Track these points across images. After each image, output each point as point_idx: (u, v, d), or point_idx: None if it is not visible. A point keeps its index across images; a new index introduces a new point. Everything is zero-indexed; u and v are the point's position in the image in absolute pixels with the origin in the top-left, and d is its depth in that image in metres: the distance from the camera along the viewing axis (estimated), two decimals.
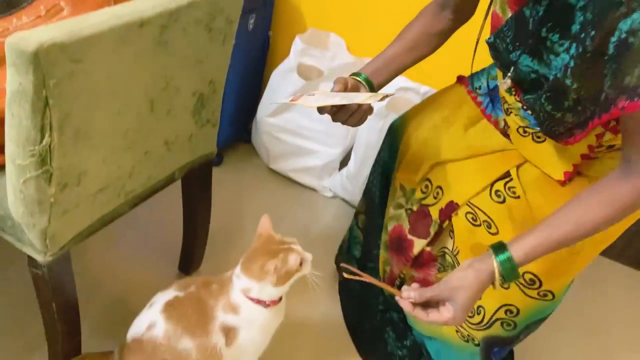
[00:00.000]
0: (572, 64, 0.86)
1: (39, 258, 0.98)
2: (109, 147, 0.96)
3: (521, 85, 1.01)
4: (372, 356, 1.41)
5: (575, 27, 0.85)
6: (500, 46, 1.00)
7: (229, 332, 1.08)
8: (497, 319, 1.11)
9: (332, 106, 1.02)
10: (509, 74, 1.00)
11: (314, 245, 1.59)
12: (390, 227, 1.32)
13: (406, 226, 1.26)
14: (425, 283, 1.18)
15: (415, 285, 0.94)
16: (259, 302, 1.08)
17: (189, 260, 1.50)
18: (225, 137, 1.87)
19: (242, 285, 1.08)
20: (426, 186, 1.23)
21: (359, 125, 1.06)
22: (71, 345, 1.16)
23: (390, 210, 1.31)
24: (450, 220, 1.15)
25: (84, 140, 0.90)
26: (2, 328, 1.08)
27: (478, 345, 1.18)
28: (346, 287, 1.54)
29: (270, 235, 1.12)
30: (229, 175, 1.90)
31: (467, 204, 1.12)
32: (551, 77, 0.91)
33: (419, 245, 1.23)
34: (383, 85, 1.13)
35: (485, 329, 1.14)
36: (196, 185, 1.35)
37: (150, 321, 1.07)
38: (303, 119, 1.77)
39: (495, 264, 0.90)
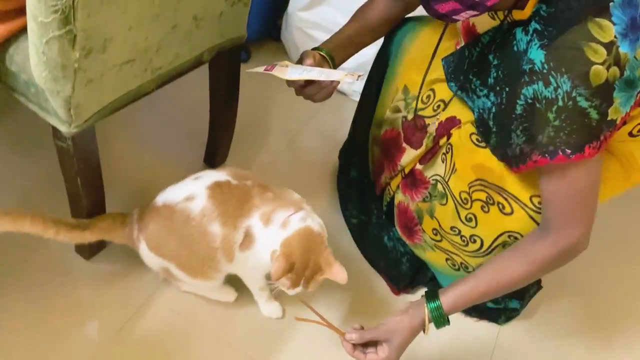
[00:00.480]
0: (493, 109, 0.97)
1: (64, 129, 0.95)
2: (135, 13, 0.90)
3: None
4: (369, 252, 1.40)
5: (491, 80, 0.97)
6: (445, 69, 1.12)
7: (248, 239, 1.06)
8: (500, 244, 1.07)
9: (305, 80, 1.06)
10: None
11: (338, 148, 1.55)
12: (383, 129, 1.28)
13: (401, 133, 1.22)
14: (402, 209, 1.22)
15: (356, 326, 1.02)
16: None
17: (215, 153, 1.47)
18: (253, 32, 1.75)
19: (292, 222, 1.02)
20: (428, 97, 1.17)
21: (323, 100, 1.10)
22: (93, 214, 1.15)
23: (387, 113, 1.28)
24: (448, 137, 1.09)
25: (110, 1, 0.84)
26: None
27: (472, 270, 1.14)
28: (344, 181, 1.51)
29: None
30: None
31: (472, 123, 1.06)
32: (475, 114, 1.03)
33: (409, 155, 1.20)
34: (343, 62, 1.18)
35: (485, 255, 1.10)
36: (224, 73, 1.29)
37: (191, 193, 1.06)
38: (338, 15, 1.66)
39: (426, 311, 0.98)
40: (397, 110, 1.26)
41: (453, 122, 1.09)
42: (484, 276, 1.00)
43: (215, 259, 1.07)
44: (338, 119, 1.71)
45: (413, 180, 1.18)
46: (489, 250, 1.09)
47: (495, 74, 0.96)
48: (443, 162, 1.11)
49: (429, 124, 1.15)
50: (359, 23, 1.20)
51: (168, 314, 1.19)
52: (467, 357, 1.25)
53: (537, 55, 0.85)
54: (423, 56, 1.18)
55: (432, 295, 1.00)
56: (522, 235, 1.02)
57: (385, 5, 1.21)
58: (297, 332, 1.21)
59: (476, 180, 1.05)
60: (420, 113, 1.17)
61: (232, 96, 1.35)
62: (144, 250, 1.12)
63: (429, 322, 0.99)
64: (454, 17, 0.88)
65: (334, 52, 1.14)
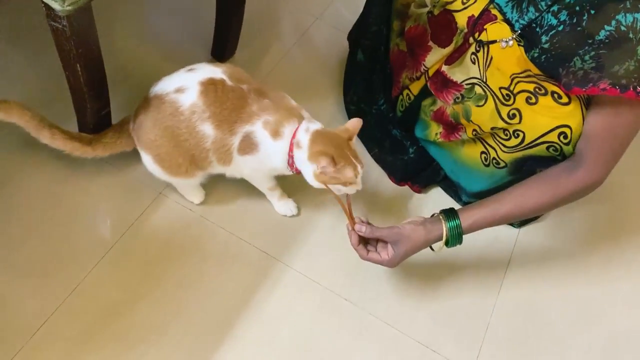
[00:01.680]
0: (560, 28, 0.91)
1: (57, 7, 0.86)
2: None
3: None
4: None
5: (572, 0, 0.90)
6: None
7: (249, 144, 1.01)
8: (544, 142, 1.00)
9: None
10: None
11: None
12: (408, 25, 1.19)
13: (428, 29, 1.13)
14: (439, 113, 1.16)
15: (363, 219, 1.01)
16: (292, 159, 1.01)
17: (223, 46, 1.38)
18: None
19: (301, 138, 1.00)
20: None
21: None
22: (99, 116, 1.10)
23: (412, 8, 1.19)
24: (480, 32, 1.00)
25: None
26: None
27: (504, 167, 1.09)
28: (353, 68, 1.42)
29: (350, 139, 1.03)
30: None
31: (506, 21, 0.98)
32: (517, 27, 0.97)
33: (436, 53, 1.12)
34: None
35: (523, 149, 1.04)
36: None
37: (182, 85, 1.00)
38: None
39: (444, 228, 0.98)
40: (423, 4, 1.16)
41: (489, 17, 1.01)
42: (507, 201, 0.99)
43: (207, 159, 1.03)
44: (354, 10, 1.59)
45: (444, 80, 1.11)
46: (530, 145, 1.03)
47: None
48: (474, 63, 1.04)
49: (458, 21, 1.06)
50: None
51: (181, 210, 1.16)
52: (488, 255, 1.23)
53: None
54: None
55: (451, 214, 0.99)
56: (572, 134, 0.96)
57: None
58: (311, 231, 1.19)
59: (524, 71, 0.98)
60: (448, 7, 1.08)
61: None
62: (138, 145, 1.08)
63: (445, 238, 0.99)
64: None
65: None
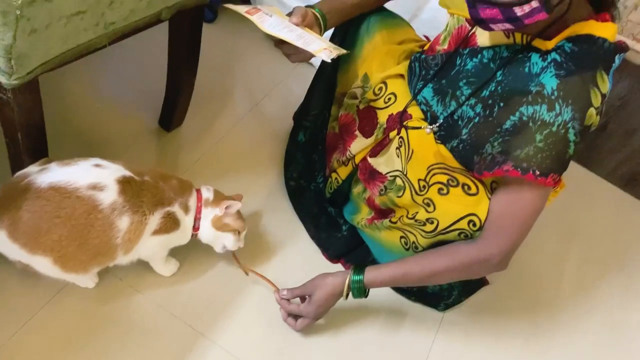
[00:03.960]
0: (476, 119, 1.02)
1: (3, 80, 0.89)
2: None
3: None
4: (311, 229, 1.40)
5: (486, 93, 1.02)
6: (416, 69, 1.16)
7: (169, 223, 1.07)
8: (455, 229, 1.07)
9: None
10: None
11: None
12: (341, 112, 1.31)
13: (356, 119, 1.25)
14: (371, 202, 1.24)
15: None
16: (196, 222, 1.13)
17: (171, 115, 1.42)
18: None
19: (207, 195, 1.14)
20: (380, 89, 1.21)
21: (298, 62, 1.14)
22: None
23: (345, 99, 1.31)
24: (399, 131, 1.12)
25: None
26: None
27: (422, 251, 1.16)
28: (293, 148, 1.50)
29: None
30: (221, 35, 1.77)
31: (422, 120, 1.11)
32: (441, 118, 1.08)
33: (360, 142, 1.23)
34: (332, 27, 1.21)
35: (438, 235, 1.10)
36: (185, 32, 1.23)
37: (98, 182, 0.98)
38: None
39: (347, 281, 1.09)
40: (354, 96, 1.28)
41: (404, 115, 1.13)
42: (409, 261, 1.10)
43: (113, 253, 1.03)
44: (303, 89, 1.67)
45: (372, 173, 1.20)
46: (444, 231, 1.09)
47: (493, 88, 1.01)
48: (398, 156, 1.13)
49: (379, 117, 1.18)
50: None
51: (109, 279, 1.16)
52: (412, 335, 1.27)
53: (549, 81, 0.92)
54: (389, 50, 1.23)
55: (358, 269, 1.10)
56: (481, 222, 1.03)
57: None
58: (240, 306, 1.20)
59: (437, 163, 1.06)
60: (372, 104, 1.20)
61: (192, 57, 1.30)
62: (2, 241, 0.96)
63: (348, 290, 1.10)
64: (490, 25, 0.91)
65: (327, 15, 1.15)
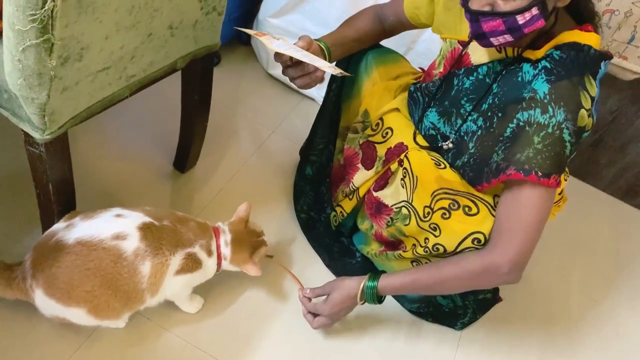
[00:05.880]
0: (479, 132, 1.08)
1: (37, 136, 0.95)
2: (113, 23, 0.90)
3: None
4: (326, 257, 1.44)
5: (485, 106, 1.08)
6: (419, 98, 1.23)
7: (191, 263, 1.10)
8: (462, 250, 1.10)
9: (290, 58, 1.09)
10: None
11: None
12: (346, 146, 1.37)
13: (359, 153, 1.30)
14: (379, 235, 1.28)
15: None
16: (219, 265, 1.17)
17: (185, 158, 1.47)
18: (224, 36, 1.75)
19: (225, 252, 1.16)
20: (377, 124, 1.27)
21: (304, 89, 1.18)
22: None
23: (349, 134, 1.37)
24: (400, 163, 1.16)
25: (88, 11, 0.84)
26: None
27: None
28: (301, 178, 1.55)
29: (250, 225, 1.22)
30: (225, 77, 1.84)
31: (418, 150, 1.16)
32: (452, 137, 1.14)
33: (362, 174, 1.27)
34: (335, 60, 1.27)
35: (447, 257, 1.15)
36: (196, 79, 1.30)
37: (121, 231, 1.03)
38: (307, 22, 1.69)
39: (361, 286, 1.13)
40: (356, 131, 1.34)
41: (401, 148, 1.18)
42: (419, 269, 1.13)
43: (142, 297, 1.07)
44: (307, 124, 1.74)
45: (378, 207, 1.23)
46: (453, 253, 1.13)
47: (491, 101, 1.07)
48: (404, 187, 1.16)
49: (378, 150, 1.24)
50: (351, 29, 1.29)
51: (138, 318, 1.20)
52: (434, 353, 1.31)
53: (541, 87, 0.98)
54: (386, 86, 1.30)
55: (374, 276, 1.14)
56: (485, 237, 1.06)
57: (369, 23, 1.30)
58: (264, 337, 1.24)
59: (440, 189, 1.10)
60: (370, 139, 1.26)
61: (204, 102, 1.36)
62: (40, 299, 1.02)
63: (362, 294, 1.14)
64: (490, 39, 0.97)
65: (332, 48, 1.22)
